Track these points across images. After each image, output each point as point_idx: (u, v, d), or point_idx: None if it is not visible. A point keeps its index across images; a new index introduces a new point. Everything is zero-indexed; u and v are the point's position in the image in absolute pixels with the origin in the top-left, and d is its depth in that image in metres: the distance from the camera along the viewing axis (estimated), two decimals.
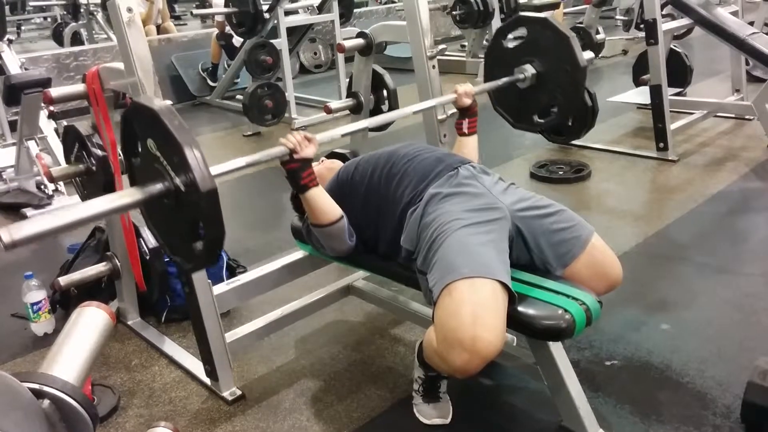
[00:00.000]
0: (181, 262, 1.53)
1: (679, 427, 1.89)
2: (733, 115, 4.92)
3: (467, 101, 2.24)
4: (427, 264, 1.74)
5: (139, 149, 1.46)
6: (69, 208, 1.30)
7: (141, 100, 1.42)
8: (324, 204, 1.88)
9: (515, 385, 2.13)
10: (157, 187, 1.38)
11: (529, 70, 2.36)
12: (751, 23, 4.73)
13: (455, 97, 2.24)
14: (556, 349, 1.76)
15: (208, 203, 1.31)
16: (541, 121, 2.49)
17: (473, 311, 1.54)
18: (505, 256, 1.71)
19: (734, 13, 4.73)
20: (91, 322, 0.88)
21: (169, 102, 1.38)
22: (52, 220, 1.26)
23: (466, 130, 2.27)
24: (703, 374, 2.11)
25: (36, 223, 1.24)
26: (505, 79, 2.38)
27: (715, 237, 3.15)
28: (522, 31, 2.41)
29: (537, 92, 2.40)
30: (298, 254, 2.33)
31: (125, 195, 1.41)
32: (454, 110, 2.62)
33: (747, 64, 5.04)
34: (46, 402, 0.76)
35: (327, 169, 2.24)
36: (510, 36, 2.46)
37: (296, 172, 1.81)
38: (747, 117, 4.83)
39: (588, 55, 2.32)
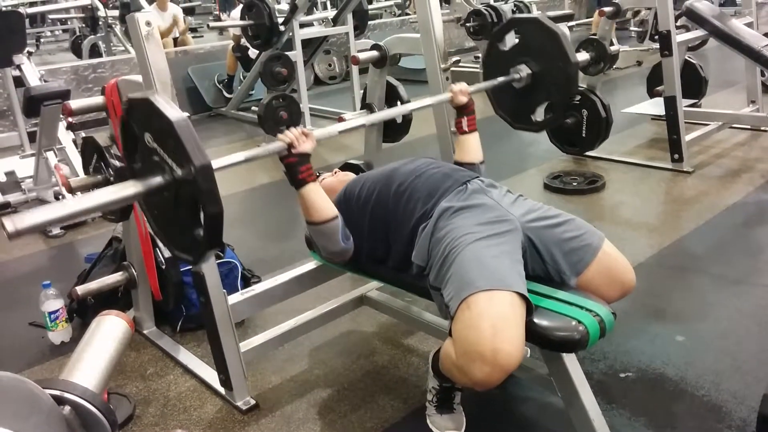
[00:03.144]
0: (186, 256, 1.52)
1: None
2: (748, 127, 4.90)
3: (463, 99, 2.25)
4: (440, 279, 1.74)
5: (138, 149, 1.47)
6: (69, 200, 1.32)
7: (135, 94, 1.42)
8: (319, 201, 1.89)
9: (529, 397, 2.12)
10: (156, 179, 1.39)
11: (524, 69, 2.37)
12: (767, 34, 4.71)
13: (451, 96, 2.25)
14: (570, 360, 1.76)
15: (204, 178, 1.31)
16: (540, 120, 2.49)
17: (493, 324, 1.54)
18: (519, 266, 1.71)
19: (749, 25, 4.72)
20: (110, 330, 0.89)
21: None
22: (53, 210, 1.28)
23: (466, 128, 2.27)
24: (719, 387, 2.09)
25: (38, 213, 1.25)
26: (500, 79, 2.39)
27: (731, 248, 3.13)
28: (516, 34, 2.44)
29: (533, 92, 2.41)
30: (311, 264, 2.34)
31: (125, 187, 1.41)
32: None
33: (762, 75, 5.02)
34: (67, 408, 0.78)
35: (339, 181, 2.24)
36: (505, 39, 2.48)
37: (294, 166, 1.83)
38: (762, 128, 4.82)
39: (582, 56, 2.32)
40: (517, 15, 2.41)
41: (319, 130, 1.90)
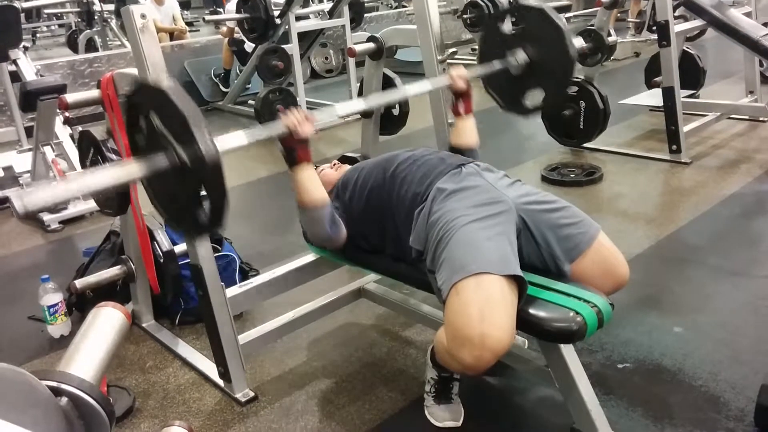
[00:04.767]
0: (185, 231, 1.58)
1: (692, 430, 1.88)
2: (746, 117, 4.90)
3: (462, 85, 2.23)
4: (435, 263, 1.75)
5: (143, 126, 1.50)
6: (76, 179, 1.38)
7: (147, 80, 1.45)
8: (312, 186, 1.91)
9: (527, 388, 2.13)
10: (162, 160, 1.42)
11: (522, 56, 2.34)
12: (765, 24, 4.71)
13: (450, 82, 2.23)
14: (568, 351, 1.76)
15: (214, 174, 1.36)
16: (530, 106, 2.46)
17: (481, 309, 1.55)
18: (513, 247, 1.71)
19: (747, 14, 4.71)
20: (107, 321, 0.89)
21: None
22: (60, 190, 1.32)
23: (462, 111, 2.27)
24: (716, 377, 2.10)
25: (45, 192, 1.28)
26: (497, 64, 2.35)
27: (729, 239, 3.13)
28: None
29: (528, 78, 2.38)
30: (309, 257, 2.35)
31: (131, 167, 1.43)
32: None
33: (761, 65, 5.01)
34: (64, 400, 0.77)
35: (340, 174, 2.24)
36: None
37: (293, 149, 1.87)
38: (761, 119, 4.81)
39: (578, 42, 2.31)
40: (523, 2, 2.38)
41: (318, 113, 1.91)
